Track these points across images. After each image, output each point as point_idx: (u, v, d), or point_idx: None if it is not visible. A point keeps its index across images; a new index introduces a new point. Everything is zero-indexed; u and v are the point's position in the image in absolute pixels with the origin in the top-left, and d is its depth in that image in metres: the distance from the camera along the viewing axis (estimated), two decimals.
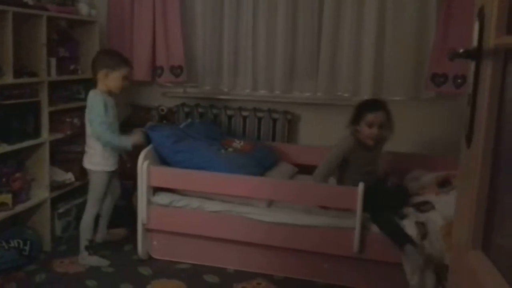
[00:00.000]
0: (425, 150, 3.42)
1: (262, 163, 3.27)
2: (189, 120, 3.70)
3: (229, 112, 3.74)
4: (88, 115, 2.95)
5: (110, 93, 3.01)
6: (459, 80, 3.22)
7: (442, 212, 2.54)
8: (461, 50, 1.15)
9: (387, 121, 2.86)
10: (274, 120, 3.66)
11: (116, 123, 3.08)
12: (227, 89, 3.74)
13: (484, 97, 1.08)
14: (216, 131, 3.60)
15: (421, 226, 2.53)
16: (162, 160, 3.16)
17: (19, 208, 2.94)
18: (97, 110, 2.89)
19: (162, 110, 3.82)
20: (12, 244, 2.91)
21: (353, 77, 3.45)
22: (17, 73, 2.85)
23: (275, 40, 3.58)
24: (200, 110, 3.80)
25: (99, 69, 2.97)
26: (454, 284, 1.30)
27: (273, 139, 3.67)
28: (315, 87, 3.58)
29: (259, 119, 3.69)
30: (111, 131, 2.95)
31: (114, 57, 3.03)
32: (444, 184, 2.83)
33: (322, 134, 3.62)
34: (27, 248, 2.96)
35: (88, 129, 2.97)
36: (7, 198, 2.84)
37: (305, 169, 3.58)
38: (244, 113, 3.71)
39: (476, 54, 1.13)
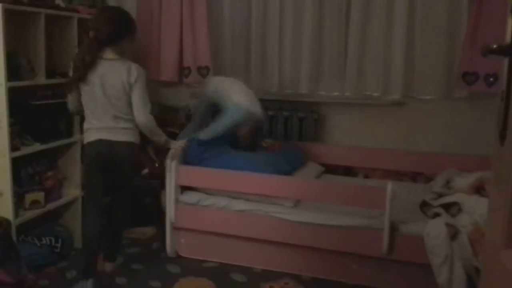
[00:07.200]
0: (457, 149, 3.35)
1: (290, 162, 3.25)
2: None
3: None
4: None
5: None
6: (491, 79, 3.13)
7: (470, 216, 2.48)
8: (494, 46, 1.14)
9: None
10: (301, 120, 3.65)
11: None
12: (253, 88, 3.74)
13: None
14: None
15: (451, 227, 2.48)
16: None
17: (51, 206, 3.00)
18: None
19: (189, 110, 3.85)
20: (44, 241, 2.97)
21: (383, 76, 3.40)
22: (50, 74, 2.92)
23: (301, 39, 3.56)
24: None
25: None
26: (487, 282, 1.28)
27: (300, 139, 3.66)
28: (343, 86, 3.55)
29: (286, 119, 3.69)
30: None
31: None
32: (479, 190, 2.76)
33: (350, 134, 3.60)
34: (58, 245, 3.02)
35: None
36: (39, 196, 2.90)
37: (332, 169, 3.57)
38: (271, 113, 3.71)
39: (509, 50, 1.11)
